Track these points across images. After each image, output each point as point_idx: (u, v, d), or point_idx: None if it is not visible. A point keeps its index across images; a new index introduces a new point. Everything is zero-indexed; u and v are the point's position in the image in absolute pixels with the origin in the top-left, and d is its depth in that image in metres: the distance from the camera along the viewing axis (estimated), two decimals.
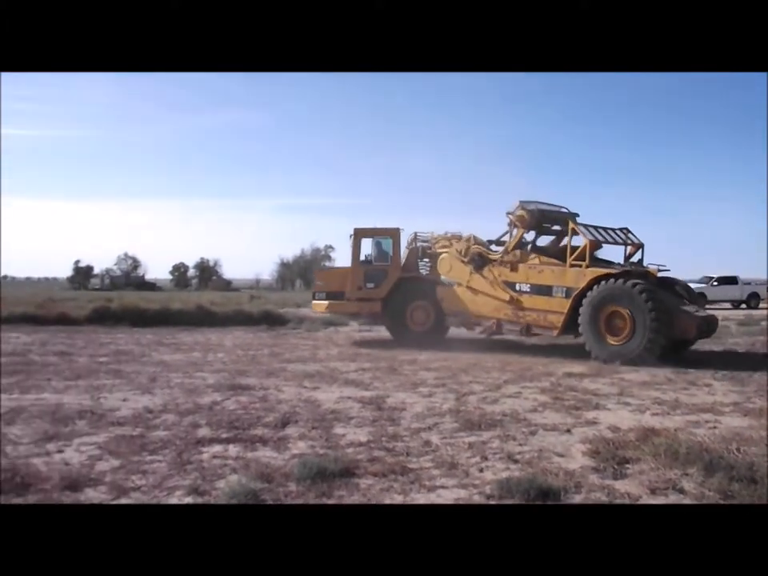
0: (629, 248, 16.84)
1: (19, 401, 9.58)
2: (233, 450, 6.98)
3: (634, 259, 16.65)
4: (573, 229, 16.35)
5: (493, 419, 8.52)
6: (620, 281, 14.94)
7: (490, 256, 17.57)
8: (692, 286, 37.31)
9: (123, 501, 5.37)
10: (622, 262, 16.66)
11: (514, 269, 16.86)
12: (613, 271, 15.44)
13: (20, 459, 6.44)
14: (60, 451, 6.89)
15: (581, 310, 15.32)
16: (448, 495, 5.61)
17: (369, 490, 5.69)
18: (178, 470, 6.24)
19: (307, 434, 7.72)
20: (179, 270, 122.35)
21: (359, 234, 19.59)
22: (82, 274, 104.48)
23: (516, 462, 6.60)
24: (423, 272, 19.88)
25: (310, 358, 15.34)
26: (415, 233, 20.05)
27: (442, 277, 19.12)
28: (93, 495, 5.51)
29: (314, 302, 20.43)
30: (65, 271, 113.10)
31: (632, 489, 5.73)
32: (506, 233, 17.84)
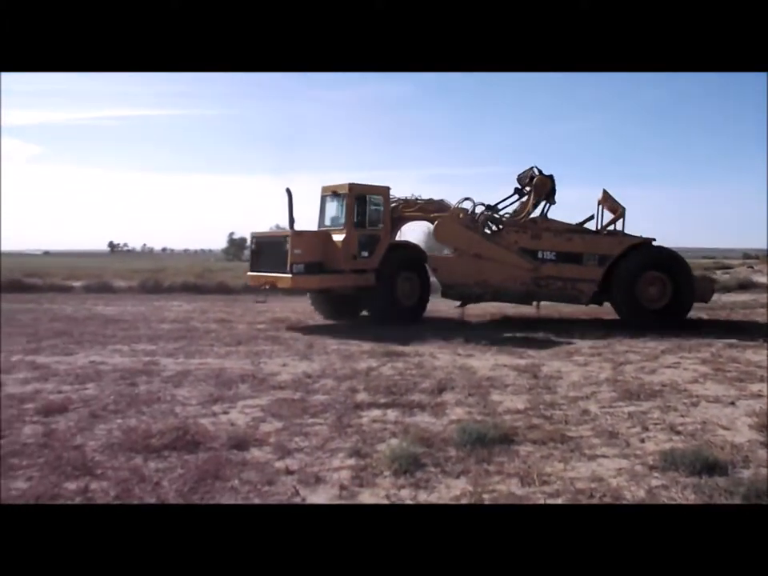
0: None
1: (185, 365, 10.09)
2: (391, 414, 7.06)
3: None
4: (604, 198, 15.99)
5: (652, 389, 8.25)
6: (656, 248, 15.58)
7: (510, 222, 16.58)
8: None
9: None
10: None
11: (536, 236, 16.03)
12: (649, 239, 15.69)
13: (189, 419, 6.76)
14: (225, 412, 7.20)
15: (615, 277, 15.29)
16: (609, 465, 5.48)
17: (528, 457, 5.64)
18: (339, 432, 6.38)
19: (464, 400, 7.71)
20: None
21: (355, 191, 16.11)
22: (237, 245, 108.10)
23: (678, 433, 6.36)
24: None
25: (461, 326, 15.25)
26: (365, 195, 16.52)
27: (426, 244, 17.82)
28: (258, 455, 5.72)
29: (254, 273, 16.14)
30: (220, 243, 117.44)
31: None
32: (508, 198, 17.19)
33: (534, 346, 12.09)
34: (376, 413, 7.15)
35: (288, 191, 15.37)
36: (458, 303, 17.16)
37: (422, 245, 18.48)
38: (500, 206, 17.17)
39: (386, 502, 4.78)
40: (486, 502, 4.78)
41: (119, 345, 12.18)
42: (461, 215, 16.63)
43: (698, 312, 16.79)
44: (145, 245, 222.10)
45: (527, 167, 16.79)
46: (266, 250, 15.92)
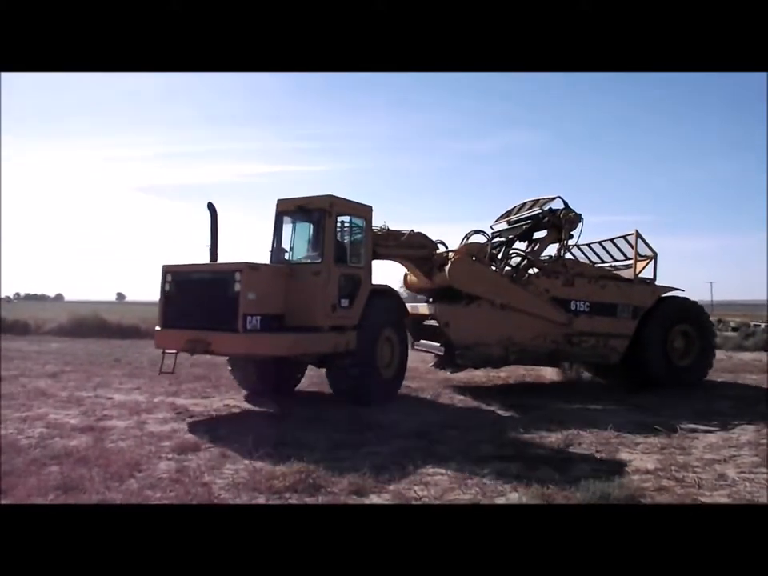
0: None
1: (317, 410, 10.31)
2: (513, 468, 6.90)
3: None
4: (637, 239, 14.09)
5: None
6: (683, 299, 14.32)
7: (539, 263, 13.59)
8: None
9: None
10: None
11: (568, 282, 13.31)
12: (679, 288, 14.40)
13: (314, 464, 6.80)
14: (349, 458, 7.26)
15: (646, 331, 13.72)
16: None
17: None
18: (459, 484, 6.31)
19: (591, 456, 7.48)
20: None
21: (336, 208, 10.85)
22: None
23: None
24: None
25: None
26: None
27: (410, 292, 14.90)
28: (376, 501, 5.75)
29: (171, 330, 10.30)
30: None
31: None
32: (522, 229, 14.30)
33: (668, 403, 11.57)
34: (498, 465, 7.01)
35: (210, 207, 10.71)
36: (434, 364, 14.05)
37: None
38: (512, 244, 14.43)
39: None
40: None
41: None
42: (484, 253, 13.26)
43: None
44: None
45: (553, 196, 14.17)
46: (193, 293, 10.20)
